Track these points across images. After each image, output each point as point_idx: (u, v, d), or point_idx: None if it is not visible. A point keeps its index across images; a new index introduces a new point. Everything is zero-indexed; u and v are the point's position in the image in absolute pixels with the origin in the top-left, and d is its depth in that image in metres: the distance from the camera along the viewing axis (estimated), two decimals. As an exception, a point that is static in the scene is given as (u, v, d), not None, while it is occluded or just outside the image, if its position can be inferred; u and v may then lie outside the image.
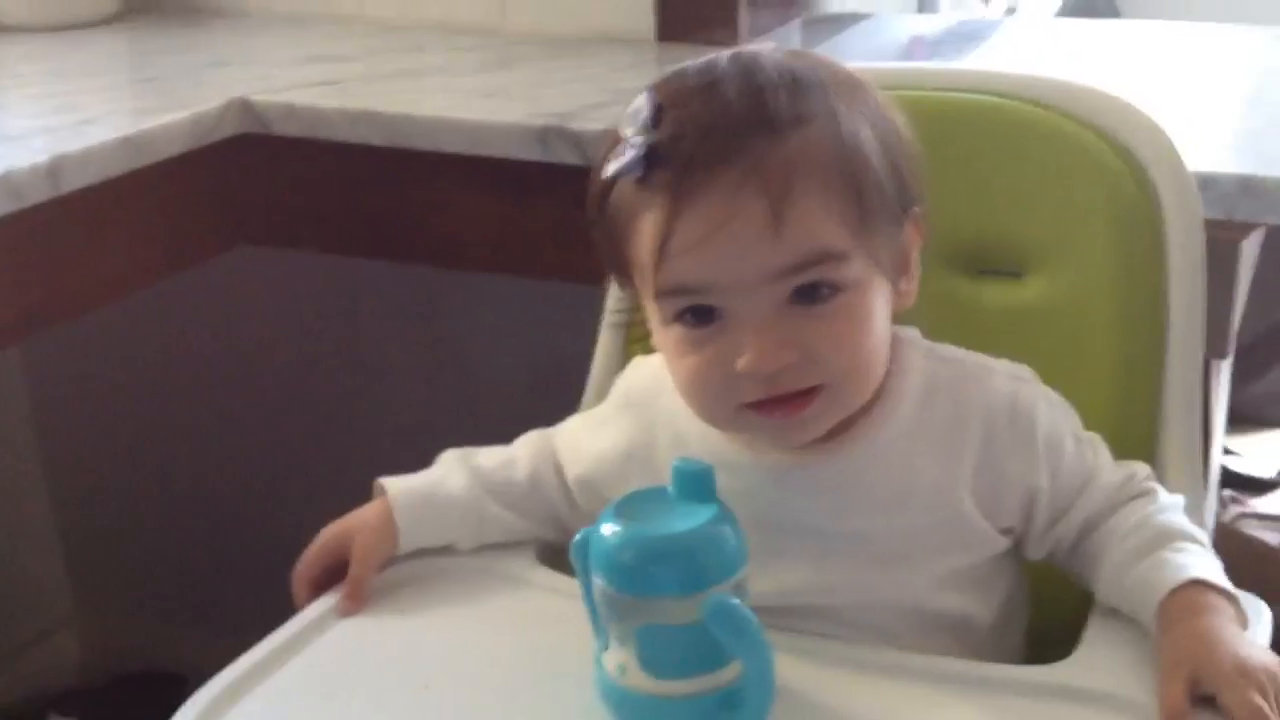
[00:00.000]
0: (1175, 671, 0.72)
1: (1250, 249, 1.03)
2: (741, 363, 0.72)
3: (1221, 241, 0.98)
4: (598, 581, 0.72)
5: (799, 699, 0.74)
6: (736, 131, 0.71)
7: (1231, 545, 1.84)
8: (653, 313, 0.77)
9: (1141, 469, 0.84)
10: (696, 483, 0.73)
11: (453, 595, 0.86)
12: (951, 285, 0.95)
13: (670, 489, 0.73)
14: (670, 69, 0.77)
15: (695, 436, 0.81)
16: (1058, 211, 0.92)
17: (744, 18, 1.49)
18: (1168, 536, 0.78)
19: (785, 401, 0.74)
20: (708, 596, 0.70)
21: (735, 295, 0.72)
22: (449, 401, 1.69)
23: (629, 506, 0.74)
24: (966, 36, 1.65)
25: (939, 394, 0.80)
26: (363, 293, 1.71)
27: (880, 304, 0.76)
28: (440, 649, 0.81)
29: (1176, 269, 0.89)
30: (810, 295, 0.72)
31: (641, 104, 0.74)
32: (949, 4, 2.02)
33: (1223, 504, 2.09)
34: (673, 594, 0.70)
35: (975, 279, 0.95)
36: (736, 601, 0.71)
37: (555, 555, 0.88)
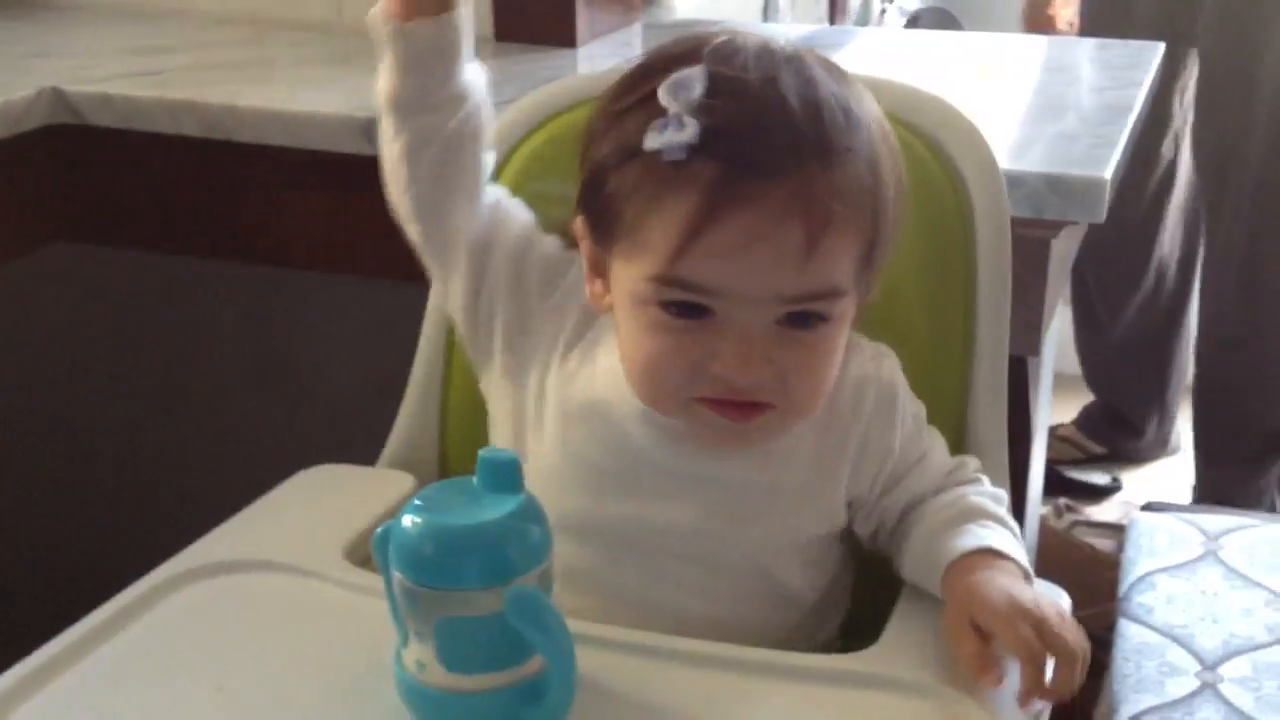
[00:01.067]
0: (960, 622, 0.73)
1: (1060, 247, 1.05)
2: (720, 367, 0.73)
3: (1032, 240, 1.00)
4: (398, 576, 0.70)
5: (602, 691, 0.73)
6: (793, 150, 0.70)
7: (1064, 550, 1.90)
8: (625, 283, 0.76)
9: (973, 462, 0.86)
10: (502, 473, 0.72)
11: (253, 593, 0.83)
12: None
13: (475, 480, 0.72)
14: (718, 36, 0.74)
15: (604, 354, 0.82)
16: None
17: (582, 20, 1.49)
18: (975, 514, 0.81)
19: (739, 404, 0.75)
20: (510, 588, 0.69)
21: (739, 306, 0.72)
22: (278, 404, 1.65)
23: (432, 498, 0.72)
24: (820, 46, 1.66)
25: None
26: (187, 293, 1.66)
27: (846, 334, 0.78)
28: (236, 649, 0.78)
29: (985, 263, 0.91)
30: (800, 322, 0.74)
31: (693, 77, 0.71)
32: (790, 17, 2.04)
33: (1057, 513, 2.15)
34: (474, 586, 0.69)
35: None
36: (539, 592, 0.69)
37: (362, 555, 0.86)
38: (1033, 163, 1.03)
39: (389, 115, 0.83)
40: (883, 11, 2.57)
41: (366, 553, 0.85)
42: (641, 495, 0.81)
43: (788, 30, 1.86)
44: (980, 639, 0.73)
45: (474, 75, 0.83)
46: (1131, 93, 1.26)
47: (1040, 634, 0.71)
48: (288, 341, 1.63)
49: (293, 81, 1.35)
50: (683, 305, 0.73)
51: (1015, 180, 0.98)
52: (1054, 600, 0.75)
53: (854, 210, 0.72)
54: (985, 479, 0.85)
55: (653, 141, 0.71)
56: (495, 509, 0.70)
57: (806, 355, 0.75)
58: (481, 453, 0.72)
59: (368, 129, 1.17)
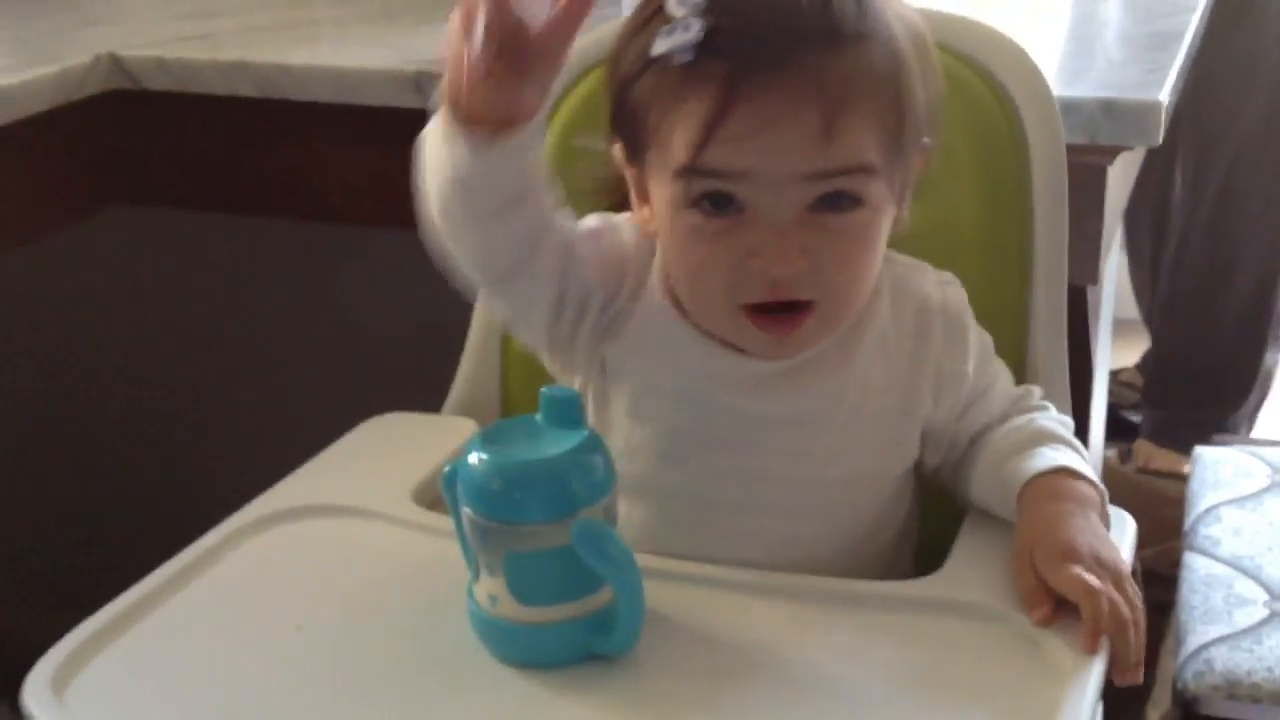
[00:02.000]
0: (1022, 559, 0.74)
1: (1117, 174, 1.04)
2: (758, 260, 0.73)
3: (1088, 167, 0.99)
4: (466, 512, 0.72)
5: (671, 621, 0.74)
6: (801, 38, 0.71)
7: (1128, 490, 1.89)
8: (662, 191, 0.76)
9: (1037, 390, 0.86)
10: (564, 410, 0.73)
11: (325, 536, 0.85)
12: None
13: (538, 417, 0.73)
14: None
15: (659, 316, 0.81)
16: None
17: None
18: (1045, 436, 0.81)
19: (779, 318, 0.75)
20: (575, 521, 0.70)
21: (766, 190, 0.73)
22: (333, 356, 1.67)
23: (497, 435, 0.73)
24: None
25: (879, 298, 0.82)
26: (245, 250, 1.68)
27: (885, 228, 0.77)
28: (313, 590, 0.80)
29: (1040, 194, 0.90)
30: (832, 203, 0.74)
31: None
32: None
33: (1121, 458, 2.13)
34: (540, 519, 0.70)
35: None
36: (604, 524, 0.70)
37: (431, 498, 0.87)
38: (1086, 88, 1.02)
39: (453, 212, 0.76)
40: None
41: (435, 496, 0.87)
42: (725, 447, 0.81)
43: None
44: (1038, 575, 0.73)
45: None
46: (1185, 19, 1.24)
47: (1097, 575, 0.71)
48: (344, 294, 1.65)
49: (340, 40, 1.36)
50: (714, 199, 0.74)
51: (1069, 106, 0.97)
52: (1115, 556, 0.73)
53: (870, 92, 0.73)
54: (1051, 406, 0.85)
55: (661, 46, 0.73)
56: (558, 444, 0.71)
57: (843, 242, 0.75)
58: (543, 390, 0.73)
59: (418, 81, 1.18)
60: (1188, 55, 1.16)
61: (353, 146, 1.25)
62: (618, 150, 0.80)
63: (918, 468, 0.87)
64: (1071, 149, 0.92)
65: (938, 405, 0.83)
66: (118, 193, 1.34)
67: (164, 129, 1.32)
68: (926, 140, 0.79)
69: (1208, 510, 1.30)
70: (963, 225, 0.91)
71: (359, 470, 0.92)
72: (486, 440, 0.72)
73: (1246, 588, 1.18)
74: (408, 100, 1.18)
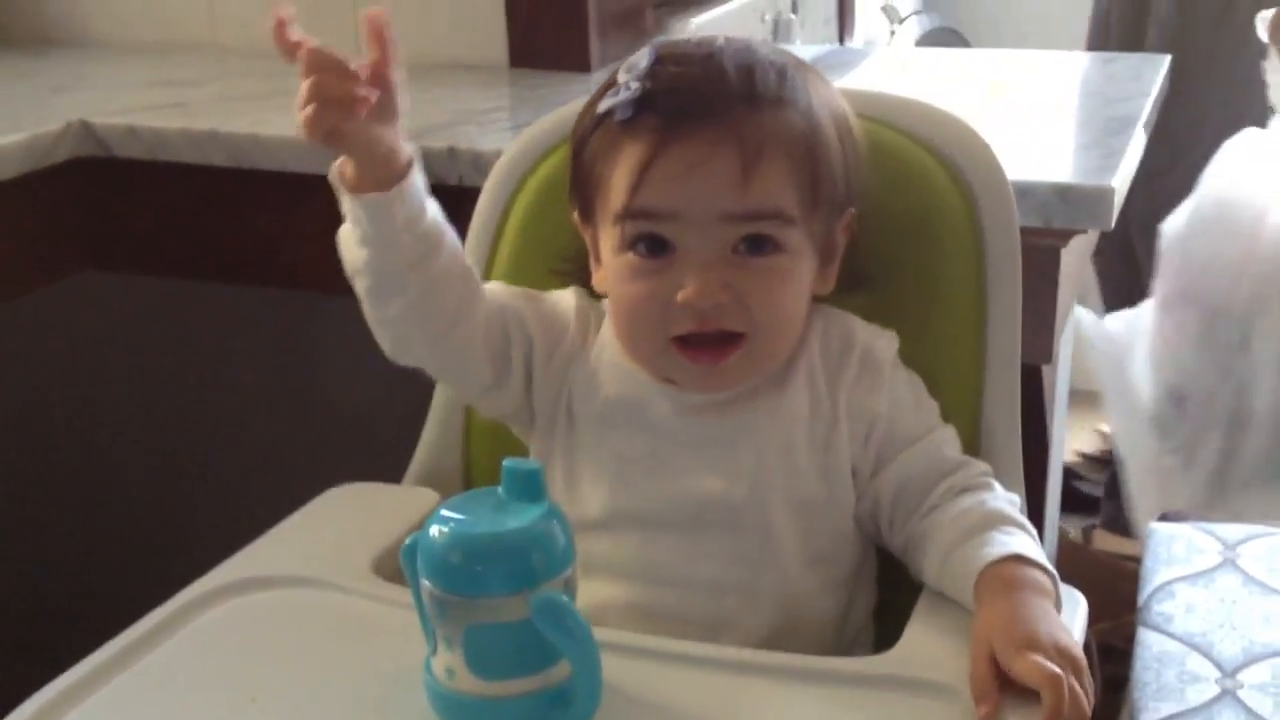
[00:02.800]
0: (980, 648, 0.74)
1: (1071, 256, 1.06)
2: (682, 294, 0.81)
3: (1043, 249, 1.02)
4: (426, 584, 0.72)
5: (628, 695, 0.74)
6: (724, 96, 0.82)
7: (1082, 563, 1.90)
8: (607, 241, 0.85)
9: (981, 465, 0.87)
10: (526, 482, 0.73)
11: (285, 607, 0.84)
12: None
13: (500, 490, 0.74)
14: (674, 39, 0.85)
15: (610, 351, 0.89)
16: (883, 221, 0.94)
17: (595, 46, 1.51)
18: (996, 519, 0.82)
19: (708, 349, 0.83)
20: (535, 594, 0.70)
21: (692, 230, 0.82)
22: (300, 424, 1.67)
23: (458, 507, 0.74)
24: (833, 65, 1.69)
25: (811, 340, 0.88)
26: (211, 318, 1.68)
27: (806, 276, 0.86)
28: (269, 661, 0.80)
29: (995, 274, 0.92)
30: (755, 246, 0.82)
31: (642, 56, 0.84)
32: (800, 39, 2.06)
33: (1082, 539, 2.14)
34: (500, 592, 0.70)
35: (807, 287, 0.97)
36: (565, 598, 0.71)
37: (390, 570, 0.87)
38: (1042, 173, 1.05)
39: (373, 285, 0.84)
40: (892, 33, 2.60)
41: (394, 568, 0.87)
42: (673, 474, 0.86)
43: (800, 51, 1.88)
44: (992, 666, 0.73)
45: (434, 223, 0.83)
46: (1139, 103, 1.27)
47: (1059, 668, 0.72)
48: (311, 363, 1.65)
49: (313, 110, 1.37)
50: (649, 243, 0.82)
51: (1025, 190, 1.00)
52: (1074, 647, 0.74)
53: (785, 148, 0.82)
54: (996, 484, 0.86)
55: (605, 104, 0.83)
56: (519, 517, 0.72)
57: (765, 281, 0.82)
58: (506, 462, 0.74)
59: (388, 154, 1.19)
60: (1138, 141, 1.19)
61: (323, 216, 1.26)
62: (576, 214, 0.89)
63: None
64: (1026, 231, 0.94)
65: (850, 440, 0.86)
66: (87, 258, 1.35)
67: (134, 196, 1.33)
68: (851, 210, 0.88)
69: (1161, 586, 1.31)
70: (918, 306, 0.92)
71: (319, 540, 0.92)
72: (447, 512, 0.73)
73: (1199, 665, 1.19)
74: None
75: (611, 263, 0.85)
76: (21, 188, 1.25)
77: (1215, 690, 1.15)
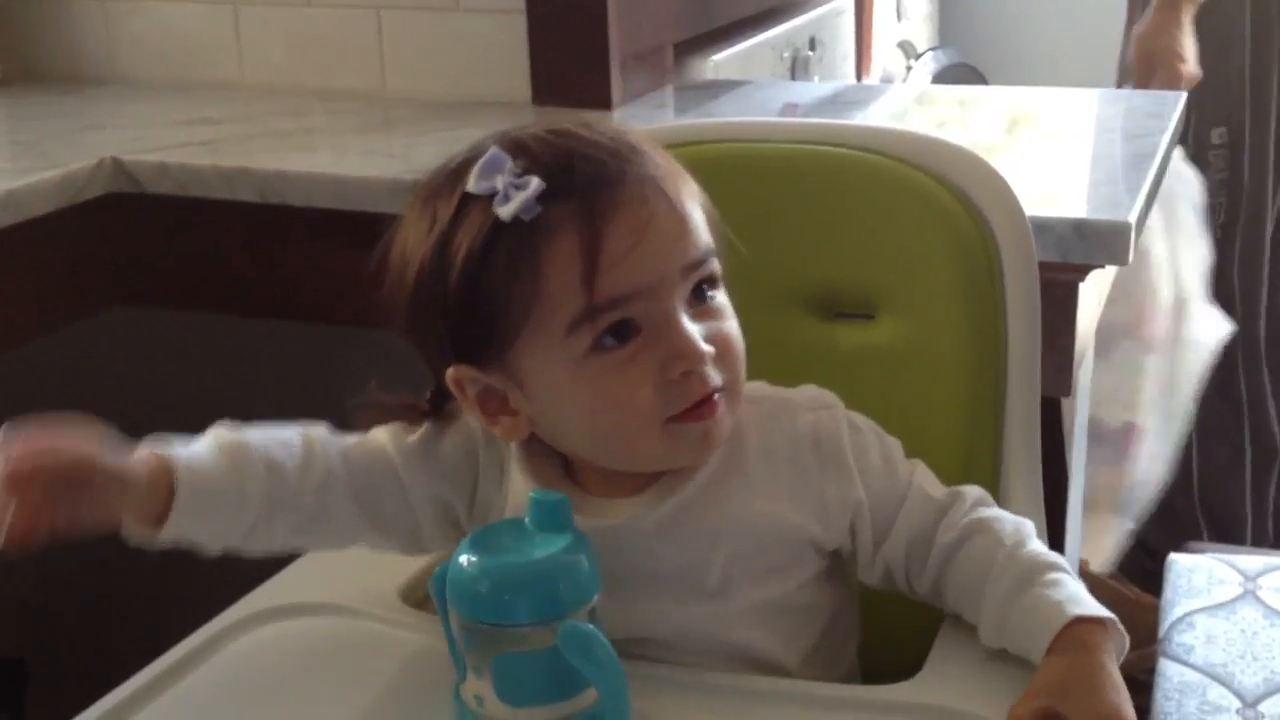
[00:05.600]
0: (1039, 694, 0.74)
1: (1088, 290, 1.07)
2: (681, 367, 0.75)
3: (1060, 284, 1.03)
4: (454, 614, 0.73)
5: (654, 723, 0.75)
6: (616, 156, 0.76)
7: (1104, 595, 1.89)
8: (554, 367, 0.76)
9: (971, 491, 0.84)
10: (552, 513, 0.75)
11: (315, 635, 0.86)
12: (806, 328, 0.98)
13: (527, 520, 0.75)
14: (484, 135, 0.78)
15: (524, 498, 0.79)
16: (904, 256, 0.95)
17: (616, 83, 1.54)
18: (1036, 570, 0.79)
19: (702, 408, 0.76)
20: (562, 623, 0.71)
21: (657, 300, 0.75)
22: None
23: (486, 537, 0.75)
24: (850, 102, 1.71)
25: (747, 434, 0.82)
26: (241, 350, 1.71)
27: None
28: (299, 688, 0.81)
29: (1014, 310, 0.93)
30: (701, 294, 0.77)
31: (497, 156, 0.74)
32: (818, 76, 2.09)
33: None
34: (528, 622, 0.71)
35: (829, 322, 0.98)
36: (591, 627, 0.72)
37: (418, 597, 0.89)
38: (1059, 209, 1.06)
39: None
40: (908, 69, 2.62)
41: (421, 595, 0.88)
42: (620, 597, 0.77)
43: (818, 88, 1.90)
44: (1041, 713, 0.73)
45: (258, 481, 0.81)
46: (1155, 140, 1.29)
47: None
48: (338, 396, 1.67)
49: (339, 147, 1.40)
50: (615, 332, 0.75)
51: (1042, 226, 1.01)
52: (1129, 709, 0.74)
53: (684, 184, 0.78)
54: (996, 508, 0.84)
55: (506, 211, 0.73)
56: (546, 547, 0.73)
57: (721, 324, 0.78)
58: (532, 493, 0.75)
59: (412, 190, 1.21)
60: (1157, 176, 1.20)
61: (349, 251, 1.28)
62: (459, 372, 0.79)
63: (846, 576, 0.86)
64: (1044, 267, 0.95)
65: (829, 532, 0.82)
66: (119, 293, 1.37)
67: (164, 232, 1.35)
68: None
69: (1181, 618, 1.32)
70: (940, 340, 0.94)
71: (348, 569, 0.93)
72: (475, 543, 0.74)
73: (1219, 695, 1.19)
74: (400, 207, 1.22)
75: (569, 376, 0.76)
76: (54, 224, 1.27)
77: (1236, 721, 1.16)
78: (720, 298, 0.79)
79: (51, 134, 1.49)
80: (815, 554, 0.83)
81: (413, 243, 0.78)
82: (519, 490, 0.82)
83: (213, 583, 0.94)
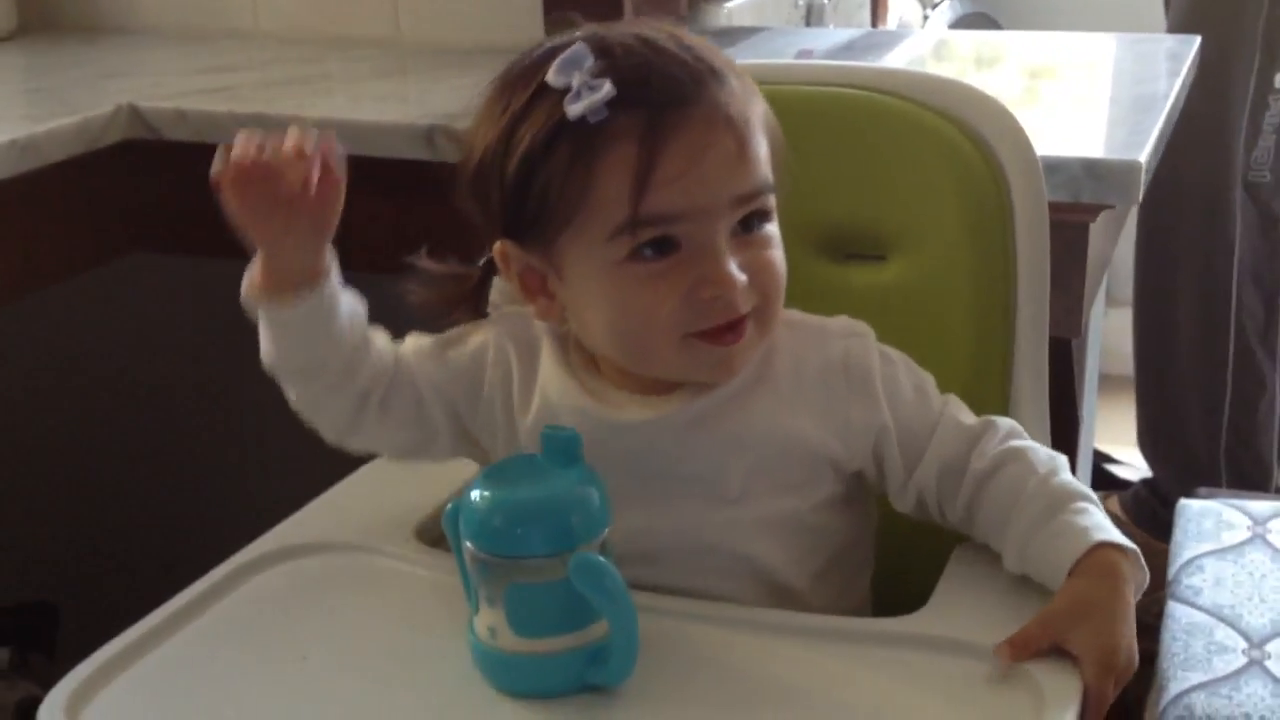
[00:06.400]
0: (1053, 619, 0.75)
1: (1099, 231, 1.08)
2: (710, 290, 0.77)
3: (1071, 224, 1.03)
4: (468, 546, 0.75)
5: (664, 653, 0.77)
6: (694, 77, 0.77)
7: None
8: (590, 259, 0.78)
9: (1004, 422, 0.85)
10: (564, 448, 0.76)
11: (330, 572, 0.87)
12: (818, 269, 0.99)
13: (539, 456, 0.76)
14: (580, 30, 0.79)
15: (554, 387, 0.84)
16: (915, 196, 0.96)
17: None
18: (1067, 498, 0.80)
19: (725, 332, 0.78)
20: (573, 555, 0.73)
21: (701, 224, 0.77)
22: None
23: (499, 473, 0.76)
24: (867, 48, 1.70)
25: (779, 354, 0.84)
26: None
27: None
28: (318, 622, 0.83)
29: (1023, 249, 0.93)
30: (750, 224, 0.79)
31: (580, 53, 0.76)
32: (834, 23, 2.08)
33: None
34: (540, 554, 0.73)
35: (841, 263, 0.99)
36: (601, 559, 0.73)
37: (432, 536, 0.90)
38: (1070, 149, 1.06)
39: (278, 377, 0.87)
40: (925, 17, 2.60)
41: (436, 534, 0.90)
42: (631, 504, 0.80)
43: (833, 34, 1.90)
44: (1047, 638, 0.74)
45: (352, 322, 0.85)
46: (1166, 84, 1.28)
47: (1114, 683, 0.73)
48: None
49: (355, 94, 1.41)
50: (655, 245, 0.77)
51: (1053, 166, 1.01)
52: (1134, 653, 0.75)
53: (756, 117, 0.80)
54: (1029, 440, 0.84)
55: (574, 110, 0.75)
56: (558, 481, 0.74)
57: (763, 253, 0.79)
58: (544, 429, 0.76)
59: (429, 136, 1.22)
60: (1169, 118, 1.20)
61: (367, 196, 1.29)
62: (504, 247, 0.82)
63: (866, 504, 0.88)
64: (1056, 207, 0.96)
65: (851, 454, 0.83)
66: (136, 239, 1.39)
67: (181, 178, 1.36)
68: None
69: (1190, 561, 1.32)
70: (949, 280, 0.94)
71: (363, 509, 0.95)
72: (488, 478, 0.76)
73: (1226, 635, 1.20)
74: (420, 152, 1.23)
75: (604, 278, 0.78)
76: (72, 170, 1.28)
77: (1243, 660, 1.17)
78: (770, 229, 0.80)
79: (69, 82, 1.50)
80: (834, 475, 0.84)
81: (485, 122, 0.81)
82: (549, 378, 0.84)
83: (239, 525, 0.96)
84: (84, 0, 1.80)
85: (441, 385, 0.87)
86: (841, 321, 0.86)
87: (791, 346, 0.84)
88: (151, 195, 1.37)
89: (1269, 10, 1.81)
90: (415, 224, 1.28)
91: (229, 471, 1.82)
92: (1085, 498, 0.81)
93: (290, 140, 0.78)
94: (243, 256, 1.44)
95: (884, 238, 0.97)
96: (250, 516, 0.97)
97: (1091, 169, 1.03)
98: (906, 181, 0.96)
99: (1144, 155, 1.05)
